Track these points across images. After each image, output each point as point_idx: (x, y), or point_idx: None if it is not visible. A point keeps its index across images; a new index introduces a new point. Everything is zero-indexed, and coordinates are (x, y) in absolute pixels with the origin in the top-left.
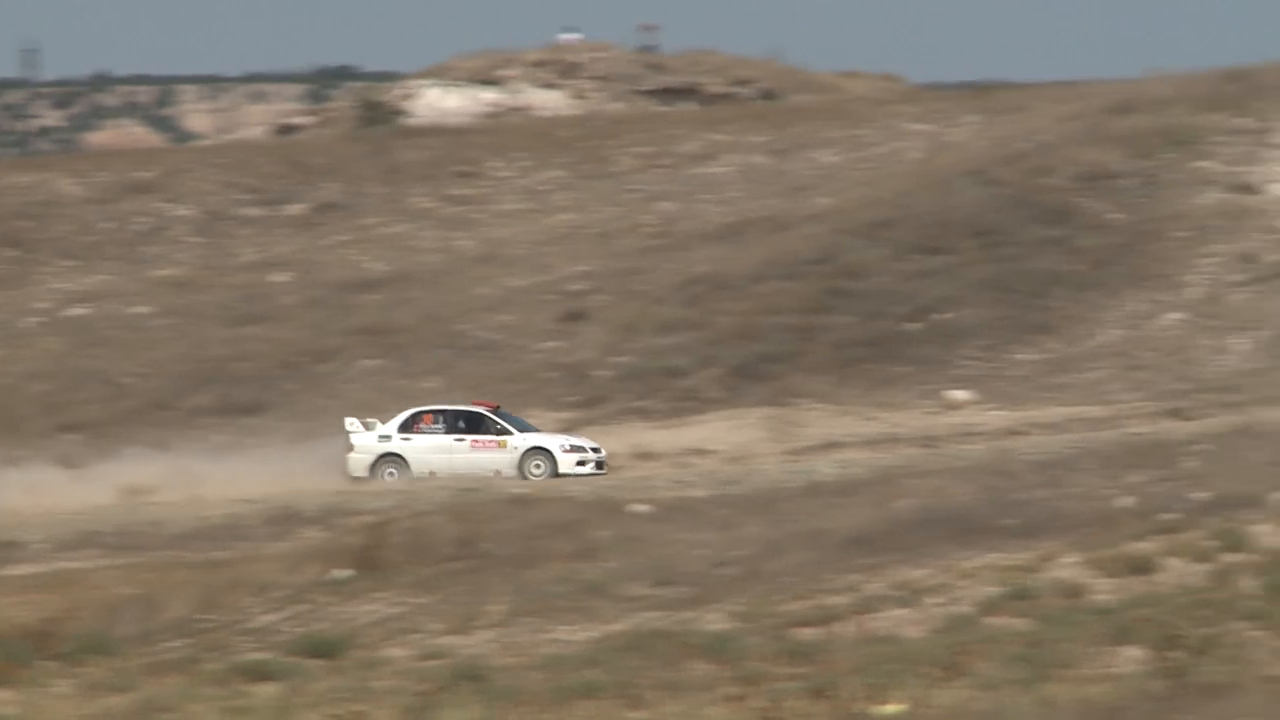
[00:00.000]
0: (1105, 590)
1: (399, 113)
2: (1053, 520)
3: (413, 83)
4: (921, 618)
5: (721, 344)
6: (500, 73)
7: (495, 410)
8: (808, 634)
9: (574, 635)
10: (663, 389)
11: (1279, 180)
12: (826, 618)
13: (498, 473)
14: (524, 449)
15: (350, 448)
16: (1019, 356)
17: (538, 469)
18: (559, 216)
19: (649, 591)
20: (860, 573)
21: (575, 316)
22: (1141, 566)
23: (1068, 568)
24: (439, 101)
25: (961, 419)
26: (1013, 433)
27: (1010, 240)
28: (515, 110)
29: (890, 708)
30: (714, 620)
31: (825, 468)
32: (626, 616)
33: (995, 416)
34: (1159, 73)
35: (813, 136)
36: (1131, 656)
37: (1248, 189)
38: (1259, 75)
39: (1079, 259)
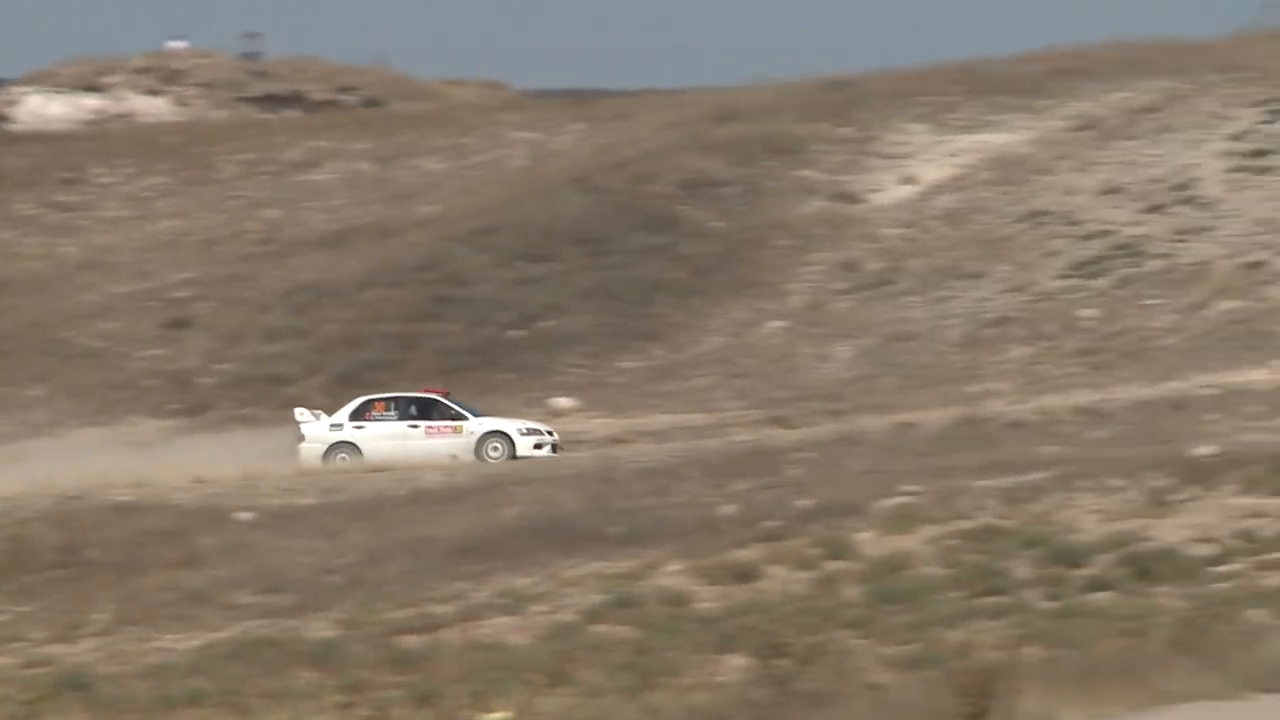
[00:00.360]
0: (709, 598)
1: (1, 119)
2: (657, 528)
3: (14, 89)
4: (527, 625)
5: (327, 351)
6: (104, 79)
7: (446, 396)
8: (413, 642)
9: (179, 643)
10: (267, 396)
11: (880, 189)
12: (432, 625)
13: (454, 457)
14: (481, 433)
15: (301, 438)
16: (623, 364)
17: (495, 451)
18: (163, 223)
19: (254, 599)
20: (466, 580)
21: (180, 324)
22: (745, 574)
23: (672, 575)
24: (42, 108)
25: (566, 426)
26: (618, 440)
27: (615, 248)
28: (119, 117)
29: (495, 715)
30: (320, 628)
31: (431, 475)
32: (232, 624)
33: (600, 424)
34: (761, 81)
35: (417, 144)
36: (735, 664)
37: (849, 198)
38: (860, 84)
39: (683, 267)
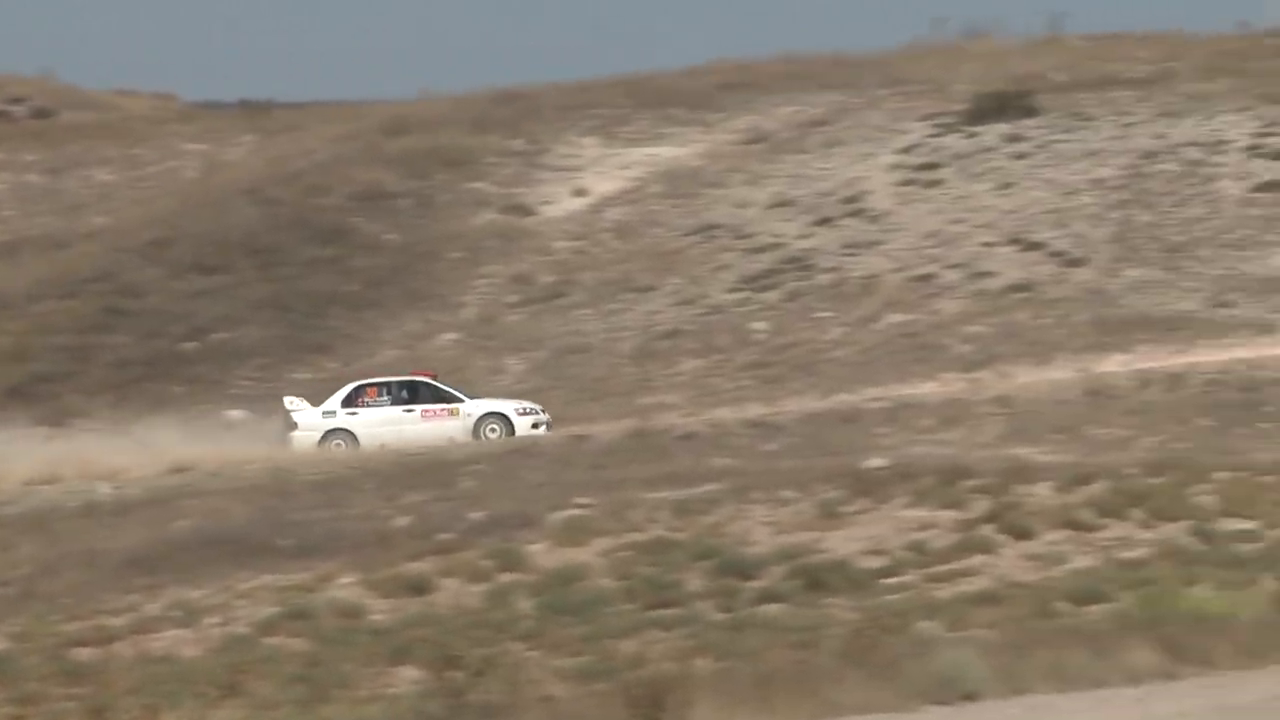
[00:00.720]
0: (382, 610)
1: None
2: (331, 540)
3: None
4: (199, 638)
5: None
6: None
7: (433, 378)
8: (86, 654)
9: None
10: None
11: (552, 202)
12: (105, 638)
13: (451, 440)
14: (478, 415)
15: (294, 426)
16: (297, 376)
17: (493, 433)
18: None
19: None
20: (138, 593)
21: None
22: (419, 586)
23: (345, 588)
24: None
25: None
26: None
27: (287, 260)
28: None
29: None
30: None
31: (103, 488)
32: None
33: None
34: (432, 94)
35: (88, 155)
36: (409, 676)
37: (521, 210)
38: (530, 97)
39: (356, 279)
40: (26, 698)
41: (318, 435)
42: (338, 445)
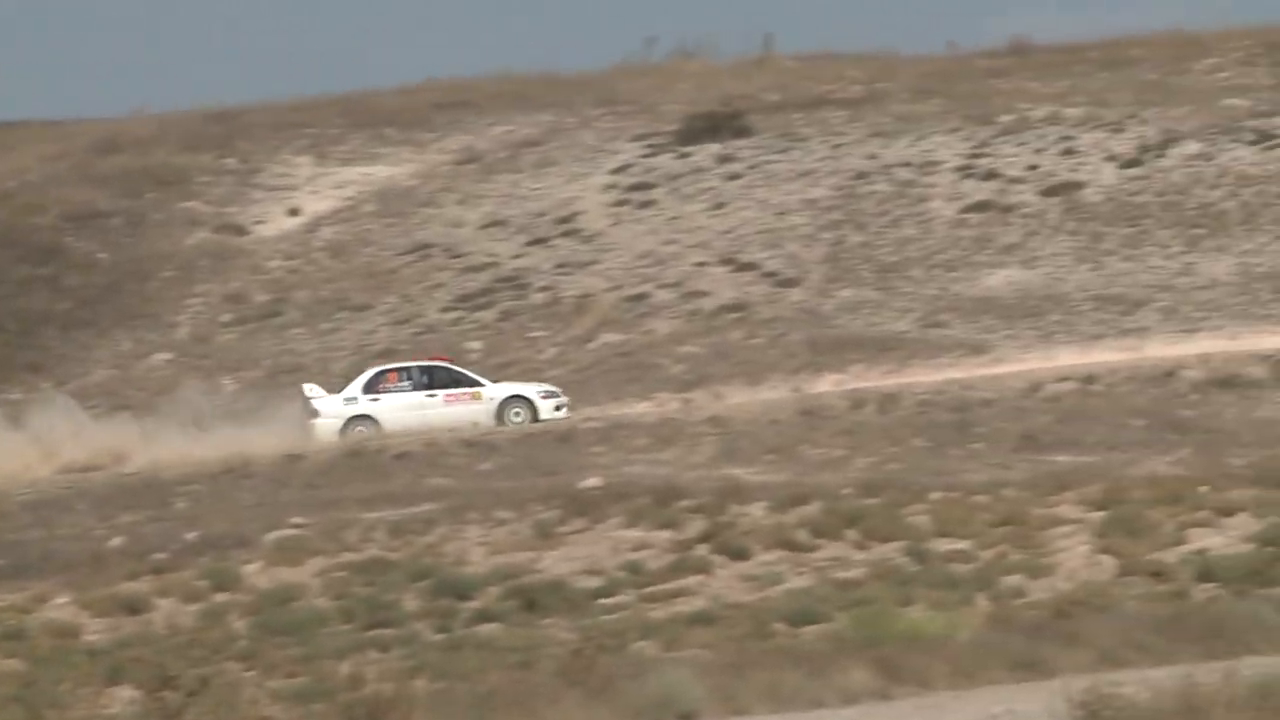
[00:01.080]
0: (98, 630)
1: None
2: (45, 560)
3: None
4: None
5: None
6: None
7: (451, 363)
8: None
9: None
10: None
11: (265, 221)
12: None
13: (475, 424)
14: (501, 398)
15: (314, 414)
16: (9, 396)
17: (517, 416)
18: None
19: None
20: None
21: None
22: (134, 606)
23: (60, 608)
24: None
25: None
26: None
27: None
28: None
29: None
30: None
31: None
32: None
33: None
34: (144, 112)
35: None
36: (124, 697)
37: (235, 229)
38: (243, 116)
39: (68, 298)
40: None
41: (340, 422)
42: (360, 431)
